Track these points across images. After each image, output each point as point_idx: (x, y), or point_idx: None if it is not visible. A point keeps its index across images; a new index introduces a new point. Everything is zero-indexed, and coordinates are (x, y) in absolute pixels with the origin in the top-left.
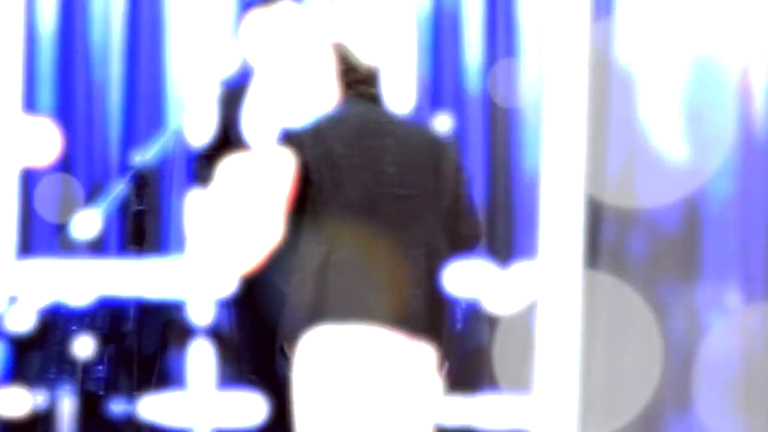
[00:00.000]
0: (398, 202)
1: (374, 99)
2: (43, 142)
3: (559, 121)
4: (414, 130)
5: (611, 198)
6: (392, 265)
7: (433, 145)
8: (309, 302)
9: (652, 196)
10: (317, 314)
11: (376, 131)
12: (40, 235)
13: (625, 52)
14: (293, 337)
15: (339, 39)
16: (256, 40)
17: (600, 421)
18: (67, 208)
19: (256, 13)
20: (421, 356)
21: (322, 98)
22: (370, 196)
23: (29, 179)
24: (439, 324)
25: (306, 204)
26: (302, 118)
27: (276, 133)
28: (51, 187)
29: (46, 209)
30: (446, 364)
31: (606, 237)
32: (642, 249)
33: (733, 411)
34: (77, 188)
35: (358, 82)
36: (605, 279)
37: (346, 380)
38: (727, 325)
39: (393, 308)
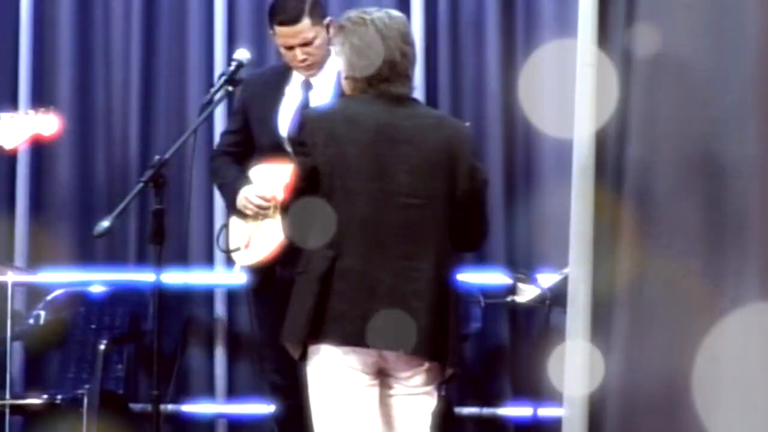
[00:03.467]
0: (408, 211)
1: (397, 98)
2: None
3: (581, 122)
4: (431, 135)
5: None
6: (397, 276)
7: (450, 149)
8: (311, 306)
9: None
10: (318, 320)
11: (392, 137)
12: (58, 233)
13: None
14: (293, 339)
15: (362, 37)
16: (283, 49)
17: (614, 416)
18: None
19: (281, 29)
20: (418, 368)
21: (338, 97)
22: (379, 205)
23: (46, 177)
24: (444, 336)
25: (316, 205)
26: (323, 116)
27: (293, 131)
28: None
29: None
30: (451, 374)
31: (626, 226)
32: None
33: (753, 409)
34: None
35: (380, 80)
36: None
37: (354, 389)
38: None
39: (394, 320)
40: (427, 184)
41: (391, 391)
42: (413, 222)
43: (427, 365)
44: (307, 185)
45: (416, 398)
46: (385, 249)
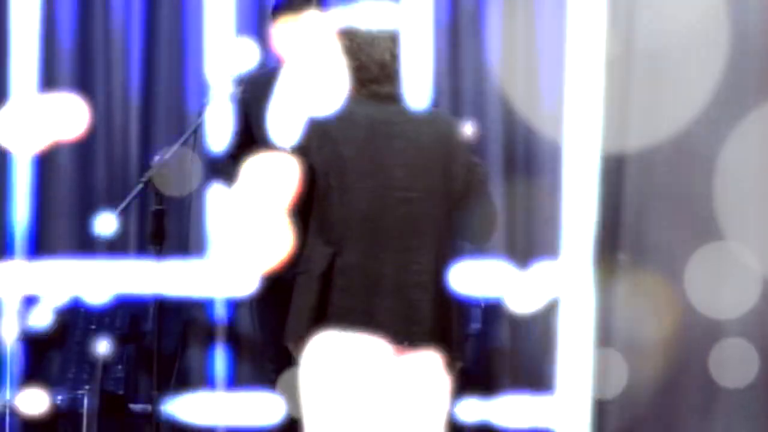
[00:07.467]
0: (406, 205)
1: (387, 98)
2: (70, 116)
3: (577, 116)
4: (425, 130)
5: (631, 186)
6: (399, 270)
7: (445, 143)
8: (313, 304)
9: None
10: (321, 317)
11: (386, 133)
12: (58, 233)
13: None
14: (297, 338)
15: (352, 38)
16: (284, 44)
17: (616, 418)
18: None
19: (284, 20)
20: (424, 362)
21: (335, 98)
22: (377, 200)
23: (45, 174)
24: (448, 327)
25: (313, 206)
26: (316, 117)
27: (295, 132)
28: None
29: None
30: (458, 366)
31: (625, 227)
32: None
33: (754, 410)
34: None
35: (370, 80)
36: (623, 276)
37: (351, 384)
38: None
39: (398, 313)
40: (424, 179)
41: (401, 391)
42: (412, 216)
43: (435, 363)
44: (308, 188)
45: (426, 399)
46: (385, 243)
